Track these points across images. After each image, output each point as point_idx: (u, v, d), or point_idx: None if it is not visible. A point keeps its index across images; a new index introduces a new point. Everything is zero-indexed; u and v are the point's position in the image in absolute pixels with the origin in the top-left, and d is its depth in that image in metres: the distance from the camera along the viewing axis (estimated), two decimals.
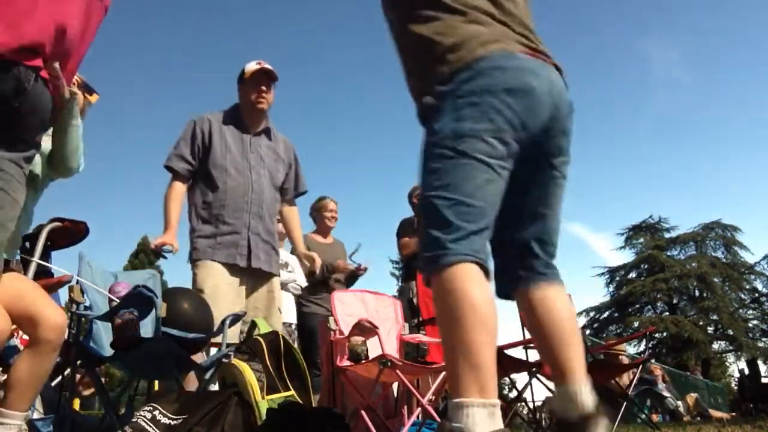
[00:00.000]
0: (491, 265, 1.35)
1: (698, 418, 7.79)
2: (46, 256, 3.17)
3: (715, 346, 23.41)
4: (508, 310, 4.59)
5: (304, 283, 4.49)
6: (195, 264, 2.81)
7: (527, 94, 1.36)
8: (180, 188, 2.88)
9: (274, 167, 3.02)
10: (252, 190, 2.88)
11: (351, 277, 4.62)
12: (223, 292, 2.74)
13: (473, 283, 1.24)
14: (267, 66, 2.98)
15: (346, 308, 3.41)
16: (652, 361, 13.22)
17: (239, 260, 2.80)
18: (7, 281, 1.76)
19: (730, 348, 23.38)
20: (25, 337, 2.57)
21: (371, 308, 3.53)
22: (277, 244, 3.05)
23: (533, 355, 4.23)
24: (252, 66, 2.98)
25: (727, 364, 26.33)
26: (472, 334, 1.17)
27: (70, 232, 3.17)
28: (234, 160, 2.89)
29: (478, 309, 1.20)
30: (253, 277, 2.87)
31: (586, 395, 1.36)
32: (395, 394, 3.47)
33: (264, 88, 2.95)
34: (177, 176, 2.88)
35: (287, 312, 4.36)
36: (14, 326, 3.49)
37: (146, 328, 2.49)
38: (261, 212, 2.89)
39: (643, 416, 5.30)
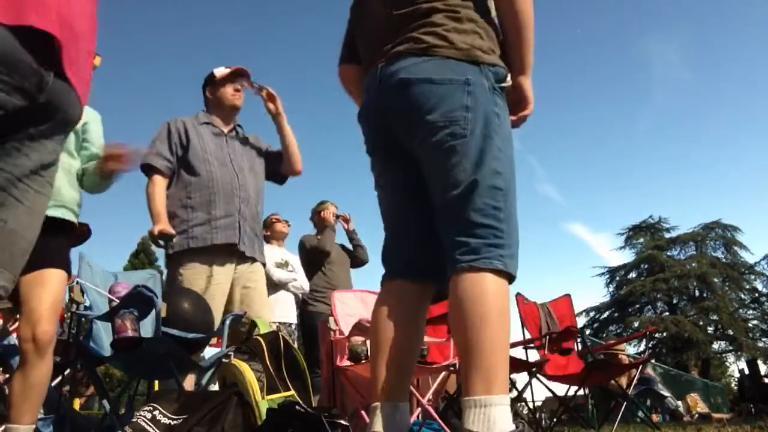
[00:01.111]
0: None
1: (696, 416, 7.80)
2: None
3: (715, 346, 23.40)
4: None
5: (304, 282, 4.49)
6: (180, 262, 2.77)
7: (362, 115, 1.57)
8: (162, 184, 2.84)
9: (251, 159, 3.04)
10: (237, 178, 2.89)
11: (353, 253, 4.73)
12: (211, 293, 2.73)
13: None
14: (242, 66, 3.03)
15: (346, 308, 3.41)
16: (653, 361, 13.22)
17: (236, 240, 2.80)
18: (47, 275, 1.88)
19: (730, 348, 23.37)
20: None
21: (371, 308, 3.53)
22: (260, 231, 3.06)
23: (533, 355, 4.23)
24: (222, 69, 3.02)
25: (727, 364, 26.36)
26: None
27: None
28: (215, 153, 2.90)
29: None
30: (243, 261, 2.88)
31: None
32: None
33: (239, 86, 3.02)
34: (158, 173, 2.83)
35: (287, 312, 4.37)
36: (12, 327, 3.50)
37: (146, 328, 2.49)
38: (248, 198, 2.91)
39: (643, 416, 5.30)
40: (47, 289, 1.91)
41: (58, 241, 2.03)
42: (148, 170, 2.84)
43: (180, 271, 2.75)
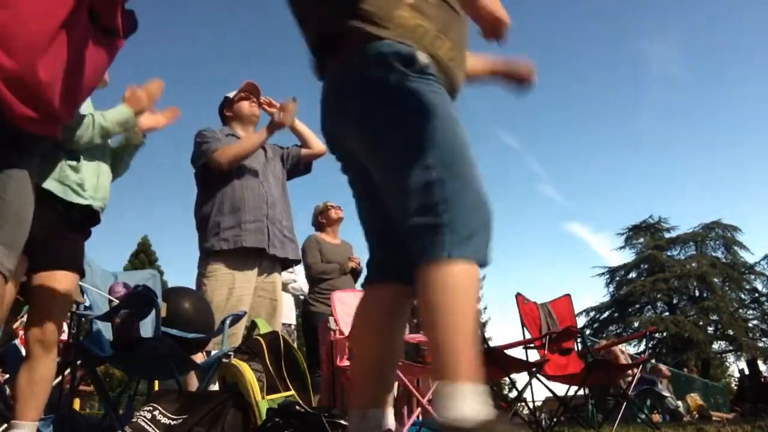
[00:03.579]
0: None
1: (696, 417, 7.80)
2: None
3: (715, 346, 23.41)
4: (508, 310, 4.59)
5: (304, 284, 4.48)
6: (208, 266, 2.91)
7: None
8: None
9: (273, 166, 3.24)
10: (262, 186, 3.08)
11: (354, 273, 4.66)
12: (232, 305, 2.87)
13: None
14: (250, 81, 3.27)
15: (346, 308, 3.41)
16: (651, 361, 13.20)
17: (264, 245, 2.97)
18: (60, 277, 1.92)
19: (730, 348, 23.38)
20: None
21: None
22: (290, 232, 3.19)
23: (533, 355, 4.24)
24: (234, 92, 3.29)
25: (727, 364, 26.36)
26: None
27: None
28: (245, 162, 3.09)
29: None
30: (271, 262, 3.06)
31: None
32: (395, 394, 3.48)
33: (255, 99, 3.27)
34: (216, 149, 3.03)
35: (286, 313, 4.36)
36: (15, 326, 3.51)
37: (146, 328, 2.49)
38: (275, 202, 3.10)
39: (643, 416, 5.30)
40: (61, 291, 1.94)
41: (80, 241, 2.08)
42: (211, 156, 2.98)
43: (204, 281, 2.90)
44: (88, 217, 2.07)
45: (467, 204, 1.25)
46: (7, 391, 2.93)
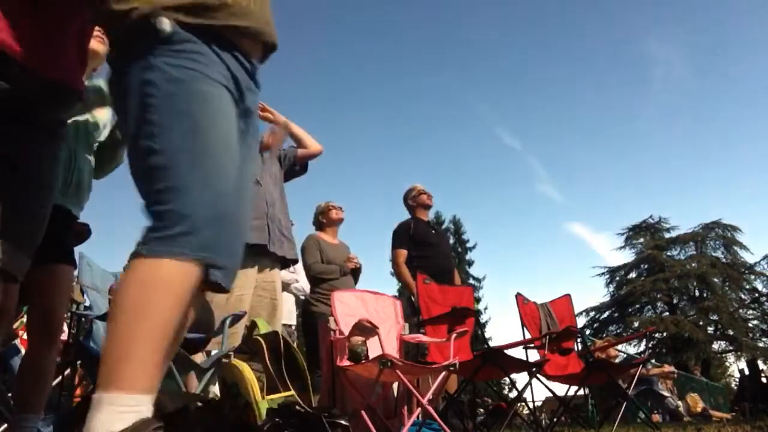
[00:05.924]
0: None
1: (697, 417, 7.80)
2: None
3: (715, 346, 23.40)
4: (508, 310, 4.59)
5: (305, 284, 4.48)
6: None
7: None
8: None
9: (270, 168, 3.30)
10: (261, 186, 3.15)
11: (355, 273, 4.64)
12: (232, 304, 2.90)
13: None
14: None
15: (346, 308, 3.41)
16: (649, 363, 13.20)
17: (265, 241, 3.04)
18: (57, 270, 1.91)
19: (730, 348, 23.37)
20: (25, 337, 2.60)
21: (371, 308, 3.53)
22: (288, 231, 3.26)
23: (533, 355, 4.24)
24: None
25: (727, 364, 26.36)
26: None
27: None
28: None
29: None
30: (270, 260, 3.12)
31: None
32: (395, 394, 3.47)
33: None
34: None
35: (287, 313, 4.36)
36: (16, 326, 3.51)
37: None
38: (274, 202, 3.18)
39: (643, 416, 5.30)
40: (61, 285, 1.95)
41: (69, 235, 2.07)
42: None
43: None
44: (62, 216, 1.98)
45: (206, 195, 1.14)
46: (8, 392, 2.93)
